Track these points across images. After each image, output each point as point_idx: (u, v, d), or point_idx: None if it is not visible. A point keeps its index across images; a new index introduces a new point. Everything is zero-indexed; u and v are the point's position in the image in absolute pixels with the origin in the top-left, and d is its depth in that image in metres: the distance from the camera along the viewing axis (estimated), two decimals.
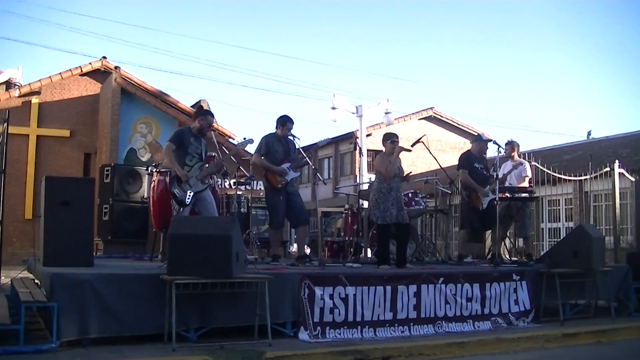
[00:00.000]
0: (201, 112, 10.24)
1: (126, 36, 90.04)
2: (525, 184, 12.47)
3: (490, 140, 11.76)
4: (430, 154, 12.43)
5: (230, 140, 19.56)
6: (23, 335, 6.68)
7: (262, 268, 8.51)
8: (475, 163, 11.57)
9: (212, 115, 9.75)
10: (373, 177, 10.93)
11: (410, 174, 11.07)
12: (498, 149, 11.37)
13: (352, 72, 76.12)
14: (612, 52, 74.45)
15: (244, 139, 10.18)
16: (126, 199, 13.68)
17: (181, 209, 9.16)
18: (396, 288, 8.72)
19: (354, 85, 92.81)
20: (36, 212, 13.02)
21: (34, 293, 7.65)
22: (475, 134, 29.61)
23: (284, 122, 10.54)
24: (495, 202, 10.89)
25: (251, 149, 11.08)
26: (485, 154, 11.81)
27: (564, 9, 74.44)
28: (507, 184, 12.09)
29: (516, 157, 12.53)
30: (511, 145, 12.43)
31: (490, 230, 12.39)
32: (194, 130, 9.52)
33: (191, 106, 20.31)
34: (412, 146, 11.43)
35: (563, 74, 79.48)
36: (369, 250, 12.39)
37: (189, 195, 9.14)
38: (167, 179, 9.98)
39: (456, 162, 11.95)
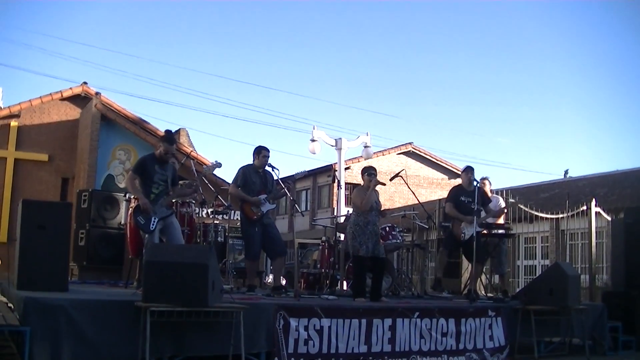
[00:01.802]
0: (161, 138, 9.98)
1: (108, 62, 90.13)
2: (502, 220, 12.54)
3: (473, 170, 11.76)
4: (409, 189, 12.51)
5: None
6: None
7: (238, 298, 8.44)
8: (462, 196, 11.60)
9: (170, 143, 9.35)
10: (350, 210, 10.93)
11: (388, 210, 11.03)
12: (475, 185, 11.48)
13: (332, 105, 76.58)
14: (591, 93, 75.27)
15: (214, 162, 10.15)
16: (103, 225, 13.54)
17: (146, 235, 9.01)
18: (371, 321, 8.70)
19: (334, 118, 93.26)
20: (12, 235, 12.91)
21: (6, 317, 7.53)
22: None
23: (259, 151, 10.50)
24: (475, 235, 10.92)
25: (220, 172, 11.00)
26: (472, 184, 11.79)
27: (542, 49, 75.28)
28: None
29: (488, 193, 12.61)
30: (483, 181, 12.50)
31: (467, 265, 12.42)
32: (158, 157, 9.33)
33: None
34: (390, 180, 11.49)
35: (543, 113, 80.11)
36: (344, 283, 12.37)
37: (154, 222, 8.95)
38: None
39: (433, 198, 12.05)
